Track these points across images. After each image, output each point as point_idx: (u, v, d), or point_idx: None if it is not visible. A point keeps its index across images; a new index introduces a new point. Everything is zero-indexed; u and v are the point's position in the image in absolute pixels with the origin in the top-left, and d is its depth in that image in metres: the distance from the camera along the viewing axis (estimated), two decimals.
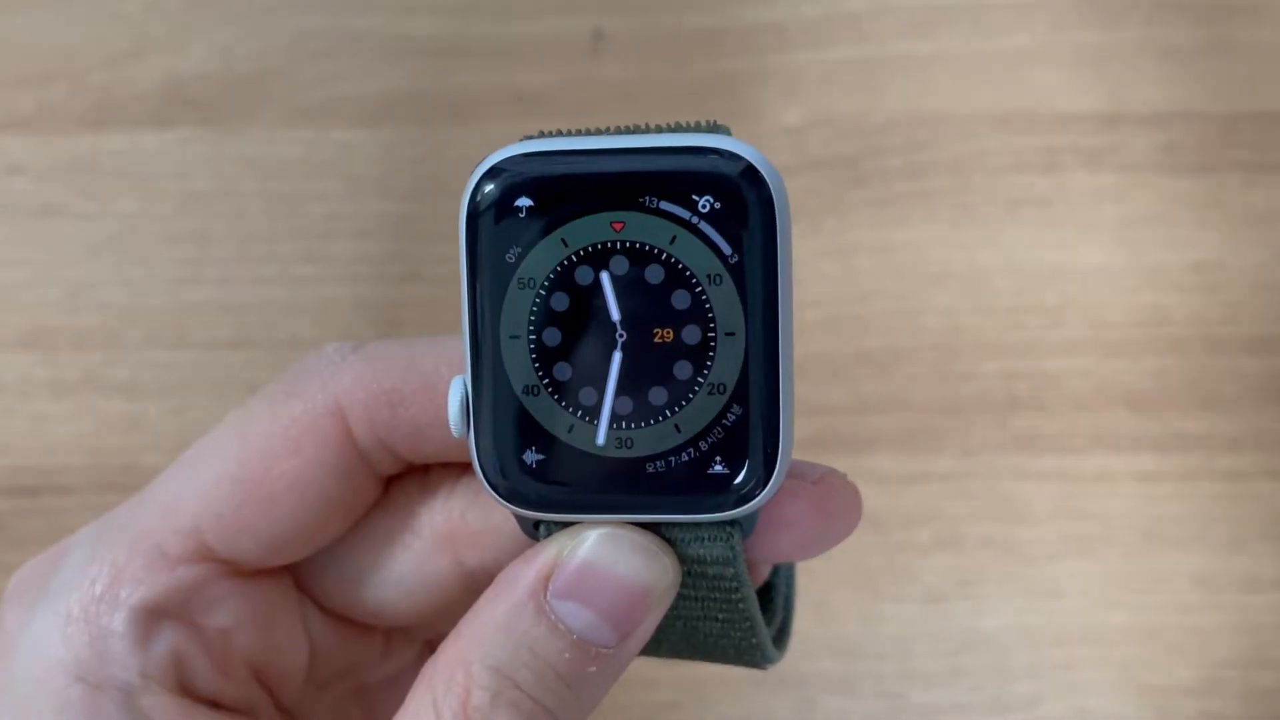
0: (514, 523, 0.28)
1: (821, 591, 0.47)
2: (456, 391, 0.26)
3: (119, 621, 0.28)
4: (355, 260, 0.50)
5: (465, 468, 0.30)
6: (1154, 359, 0.49)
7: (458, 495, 0.30)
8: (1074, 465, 0.48)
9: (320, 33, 0.51)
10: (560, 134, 0.26)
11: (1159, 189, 0.50)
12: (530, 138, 0.26)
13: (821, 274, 0.49)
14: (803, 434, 0.49)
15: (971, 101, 0.50)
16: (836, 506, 0.28)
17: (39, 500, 0.49)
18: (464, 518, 0.30)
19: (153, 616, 0.29)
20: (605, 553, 0.26)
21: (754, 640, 0.29)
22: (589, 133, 0.26)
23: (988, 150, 0.50)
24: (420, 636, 0.33)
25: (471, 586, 0.30)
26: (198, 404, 0.49)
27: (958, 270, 0.49)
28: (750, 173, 0.25)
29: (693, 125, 0.26)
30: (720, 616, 0.28)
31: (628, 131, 0.26)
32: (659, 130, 0.26)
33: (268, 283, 0.50)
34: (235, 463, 0.29)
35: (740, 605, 0.28)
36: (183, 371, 0.49)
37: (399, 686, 0.32)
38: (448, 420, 0.26)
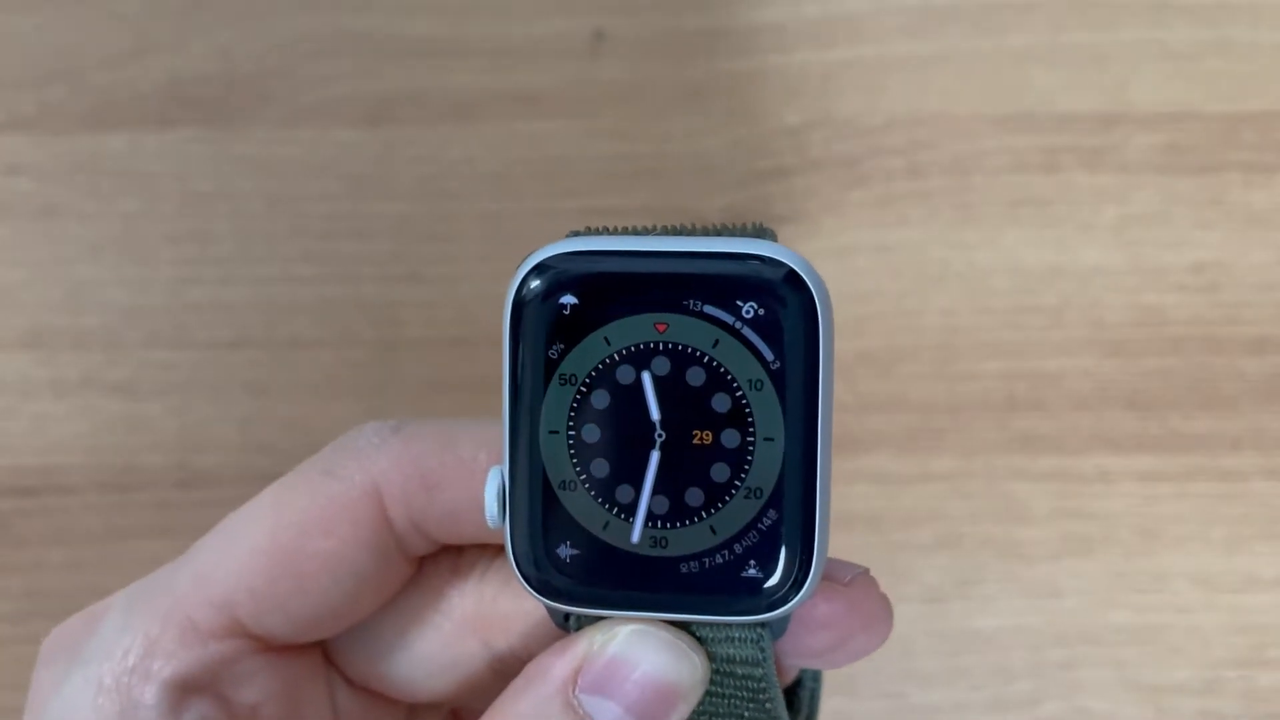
0: (545, 611, 0.28)
1: None
2: (494, 482, 0.26)
3: (150, 694, 0.28)
4: (355, 260, 0.50)
5: (498, 549, 0.30)
6: (1154, 359, 0.49)
7: (489, 579, 0.30)
8: (1074, 465, 0.48)
9: (320, 33, 0.51)
10: (607, 231, 0.26)
11: (1159, 189, 0.50)
12: (576, 234, 0.26)
13: (821, 274, 0.49)
14: None
15: (971, 101, 0.50)
16: (868, 609, 0.28)
17: (39, 500, 0.49)
18: (495, 602, 0.30)
19: (183, 690, 0.29)
20: (635, 648, 0.26)
21: None
22: (635, 231, 0.26)
23: (988, 150, 0.50)
24: (445, 708, 0.33)
25: (499, 669, 0.30)
26: (198, 404, 0.49)
27: (958, 270, 0.49)
28: (793, 279, 0.25)
29: (738, 228, 0.26)
30: (746, 715, 0.28)
31: (674, 232, 0.26)
32: (705, 233, 0.26)
33: (268, 283, 0.50)
34: (270, 539, 0.29)
35: (767, 705, 0.28)
36: (183, 371, 0.49)
37: None
38: (483, 509, 0.26)
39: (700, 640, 0.27)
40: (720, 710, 0.28)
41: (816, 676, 0.33)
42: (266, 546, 0.29)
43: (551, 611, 0.27)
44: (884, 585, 0.29)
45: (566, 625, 0.27)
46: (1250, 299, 0.49)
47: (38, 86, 0.51)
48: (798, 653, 0.28)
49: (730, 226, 0.26)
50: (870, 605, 0.28)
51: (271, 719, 0.30)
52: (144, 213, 0.50)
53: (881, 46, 0.51)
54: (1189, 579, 0.48)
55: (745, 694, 0.28)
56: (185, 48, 0.51)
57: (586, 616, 0.27)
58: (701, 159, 0.50)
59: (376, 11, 0.51)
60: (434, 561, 0.31)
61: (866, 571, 0.29)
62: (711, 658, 0.27)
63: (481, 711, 0.27)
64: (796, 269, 0.25)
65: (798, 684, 0.32)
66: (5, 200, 0.51)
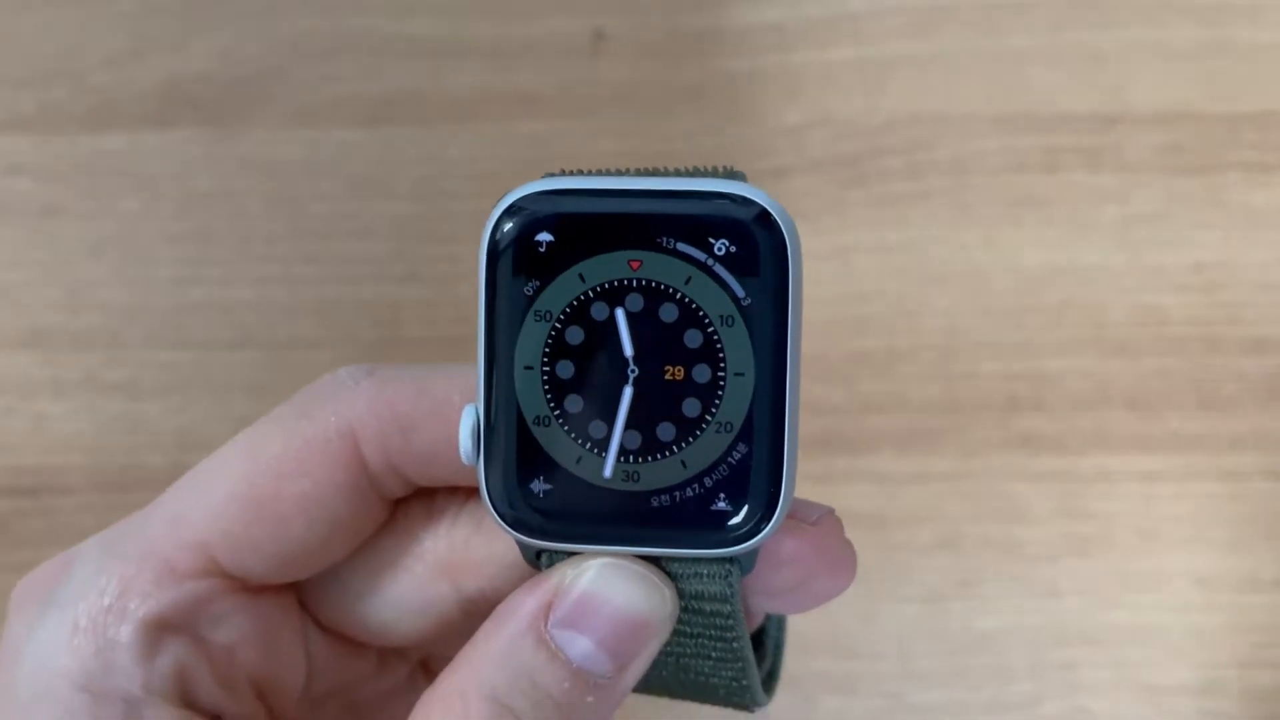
0: (516, 552, 0.28)
1: None
2: (469, 418, 0.27)
3: (125, 633, 0.28)
4: (355, 260, 0.50)
5: (470, 493, 0.30)
6: (1154, 359, 0.49)
7: (461, 522, 0.30)
8: (1074, 465, 0.48)
9: (320, 33, 0.51)
10: (580, 173, 0.27)
11: (1159, 189, 0.50)
12: (551, 175, 0.27)
13: (821, 274, 0.49)
14: (804, 433, 0.49)
15: (971, 101, 0.50)
16: (833, 549, 0.29)
17: (39, 500, 0.49)
18: (466, 545, 0.30)
19: (159, 630, 0.29)
20: (606, 582, 0.27)
21: (744, 681, 0.30)
22: (608, 173, 0.27)
23: (988, 150, 0.50)
24: (414, 656, 0.34)
25: (470, 612, 0.30)
26: (198, 404, 0.49)
27: (957, 270, 0.49)
28: (765, 218, 0.26)
29: (709, 170, 0.27)
30: (714, 655, 0.29)
31: (646, 174, 0.27)
32: (676, 174, 0.27)
33: (268, 283, 0.50)
34: (245, 481, 0.29)
35: (734, 644, 0.28)
36: (183, 371, 0.49)
37: (391, 704, 0.33)
38: (458, 447, 0.27)
39: (670, 576, 0.27)
40: (688, 650, 0.29)
41: (780, 626, 0.33)
42: (243, 488, 0.29)
43: (523, 549, 0.28)
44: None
45: (538, 563, 0.28)
46: (1250, 299, 0.49)
47: (38, 86, 0.51)
48: (764, 590, 0.29)
49: (702, 169, 0.27)
50: (835, 545, 0.29)
51: (246, 659, 0.30)
52: (144, 213, 0.50)
53: (881, 46, 0.51)
54: (1189, 579, 0.48)
55: (713, 631, 0.28)
56: (185, 48, 0.51)
57: (558, 554, 0.27)
58: (701, 159, 0.50)
59: (376, 11, 0.51)
60: (406, 505, 0.31)
61: (832, 511, 0.29)
62: (680, 594, 0.27)
63: (451, 657, 0.27)
64: (768, 208, 0.26)
65: (762, 631, 0.33)
66: (5, 200, 0.51)
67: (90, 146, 0.51)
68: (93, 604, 0.29)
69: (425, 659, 0.34)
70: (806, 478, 0.44)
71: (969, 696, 0.47)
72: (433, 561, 0.30)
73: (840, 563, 0.29)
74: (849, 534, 0.29)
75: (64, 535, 0.49)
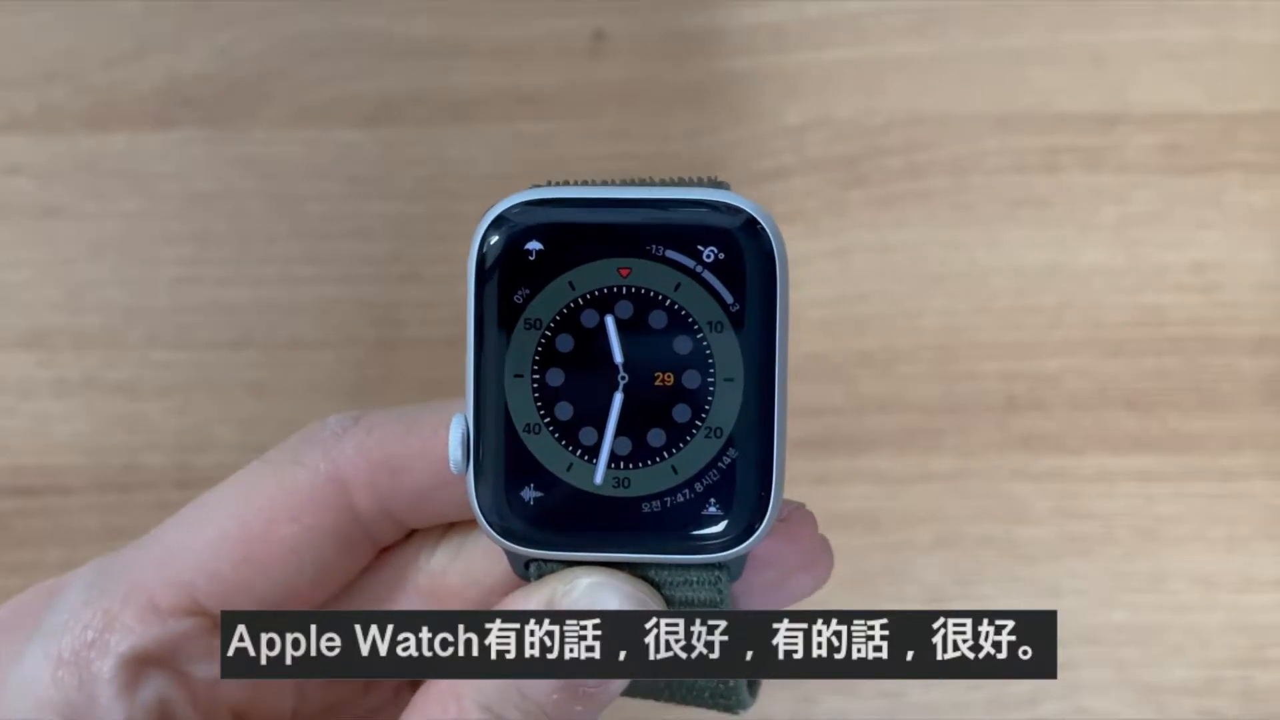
0: (493, 576, 0.29)
1: (821, 592, 0.47)
2: (457, 428, 0.27)
3: (107, 668, 0.29)
4: (355, 260, 0.50)
5: (446, 526, 0.31)
6: (1154, 359, 0.49)
7: (438, 553, 0.31)
8: (1073, 465, 0.48)
9: (320, 33, 0.51)
10: (566, 184, 0.27)
11: (1159, 189, 0.50)
12: (538, 186, 0.27)
13: (821, 274, 0.49)
14: (803, 434, 0.49)
15: (971, 101, 0.50)
16: (807, 544, 0.29)
17: (39, 500, 0.49)
18: (444, 574, 0.31)
19: (140, 665, 0.29)
20: (594, 599, 0.27)
21: (730, 684, 0.30)
22: (593, 183, 0.27)
23: (988, 150, 0.50)
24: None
25: None
26: (198, 404, 0.49)
27: (957, 270, 0.49)
28: (753, 225, 0.26)
29: (694, 180, 0.27)
30: None
31: (631, 184, 0.27)
32: (662, 184, 0.27)
33: (268, 283, 0.50)
34: (236, 523, 0.30)
35: None
36: (183, 371, 0.49)
37: (380, 719, 0.33)
38: (448, 457, 0.27)
39: (659, 584, 0.27)
40: None
41: None
42: (232, 530, 0.29)
43: (512, 559, 0.28)
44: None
45: (526, 574, 0.28)
46: (1250, 299, 0.49)
47: (38, 86, 0.51)
48: (743, 592, 0.29)
49: (687, 179, 0.27)
50: (808, 540, 0.29)
51: (229, 692, 0.31)
52: (144, 213, 0.50)
53: (881, 46, 0.51)
54: (1188, 579, 0.48)
55: None
56: (185, 48, 0.51)
57: (547, 565, 0.27)
58: (701, 159, 0.50)
59: (376, 11, 0.51)
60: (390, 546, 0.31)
61: (802, 506, 0.29)
62: (670, 602, 0.28)
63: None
64: (755, 216, 0.26)
65: None
66: (5, 200, 0.51)
67: (90, 146, 0.51)
68: (77, 637, 0.29)
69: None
70: (806, 478, 0.44)
71: (969, 696, 0.47)
72: (413, 592, 0.31)
73: (816, 557, 0.29)
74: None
75: (64, 535, 0.49)
